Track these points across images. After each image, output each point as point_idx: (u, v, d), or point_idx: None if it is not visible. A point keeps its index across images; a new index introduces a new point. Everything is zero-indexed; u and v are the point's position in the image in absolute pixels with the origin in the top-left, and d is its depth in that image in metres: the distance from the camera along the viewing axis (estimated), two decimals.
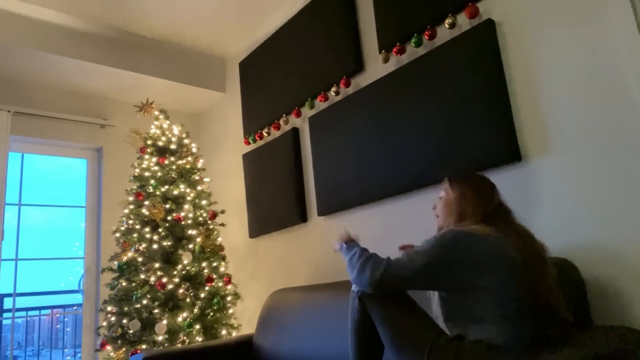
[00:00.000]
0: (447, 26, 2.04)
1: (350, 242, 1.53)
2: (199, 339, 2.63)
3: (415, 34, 2.18)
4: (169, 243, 2.67)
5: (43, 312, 4.32)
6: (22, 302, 3.67)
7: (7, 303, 3.44)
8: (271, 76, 3.17)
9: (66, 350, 4.29)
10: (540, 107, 1.77)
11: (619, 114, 1.56)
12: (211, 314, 2.74)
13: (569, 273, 1.45)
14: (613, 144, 1.57)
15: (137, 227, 2.71)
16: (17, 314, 3.41)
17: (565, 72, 1.70)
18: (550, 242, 1.58)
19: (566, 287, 1.32)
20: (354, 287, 1.47)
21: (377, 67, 2.44)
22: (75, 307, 3.52)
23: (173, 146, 2.96)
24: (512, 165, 1.83)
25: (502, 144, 1.82)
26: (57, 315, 4.50)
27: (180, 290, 2.62)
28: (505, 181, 1.82)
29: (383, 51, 2.35)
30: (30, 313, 4.18)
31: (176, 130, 3.04)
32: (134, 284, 2.60)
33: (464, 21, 2.02)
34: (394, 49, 2.27)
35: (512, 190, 1.81)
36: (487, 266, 1.24)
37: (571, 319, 1.25)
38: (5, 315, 3.50)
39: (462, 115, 1.97)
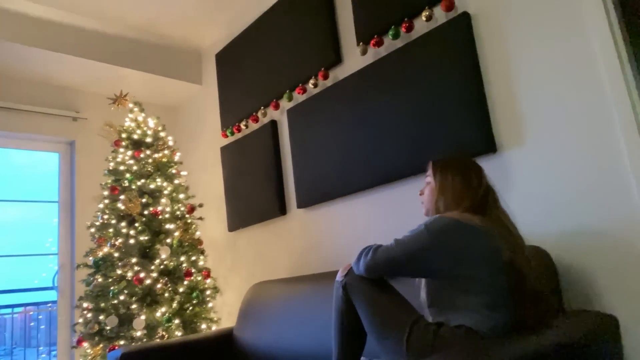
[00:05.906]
0: (424, 19, 2.06)
1: None
2: (178, 333, 2.61)
3: (392, 27, 2.19)
4: (146, 237, 2.63)
5: (16, 310, 4.21)
6: None
7: None
8: (248, 68, 3.14)
9: (40, 348, 4.20)
10: (515, 99, 1.80)
11: (592, 106, 1.60)
12: (190, 308, 2.72)
13: (541, 260, 1.49)
14: (586, 135, 1.61)
15: (113, 221, 2.66)
16: None
17: (539, 65, 1.74)
18: (524, 231, 1.62)
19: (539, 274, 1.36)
20: (338, 277, 1.48)
21: (355, 59, 2.45)
22: (50, 305, 3.45)
23: (149, 139, 2.91)
24: (488, 156, 1.87)
25: (478, 134, 1.85)
26: (31, 312, 4.39)
27: (159, 285, 2.60)
28: None
29: (361, 43, 2.35)
30: (2, 311, 4.07)
31: (152, 123, 2.99)
32: (110, 280, 2.56)
33: (440, 14, 2.04)
34: (372, 41, 2.28)
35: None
36: (474, 259, 1.25)
37: (553, 306, 1.28)
38: None
39: (438, 107, 1.99)
